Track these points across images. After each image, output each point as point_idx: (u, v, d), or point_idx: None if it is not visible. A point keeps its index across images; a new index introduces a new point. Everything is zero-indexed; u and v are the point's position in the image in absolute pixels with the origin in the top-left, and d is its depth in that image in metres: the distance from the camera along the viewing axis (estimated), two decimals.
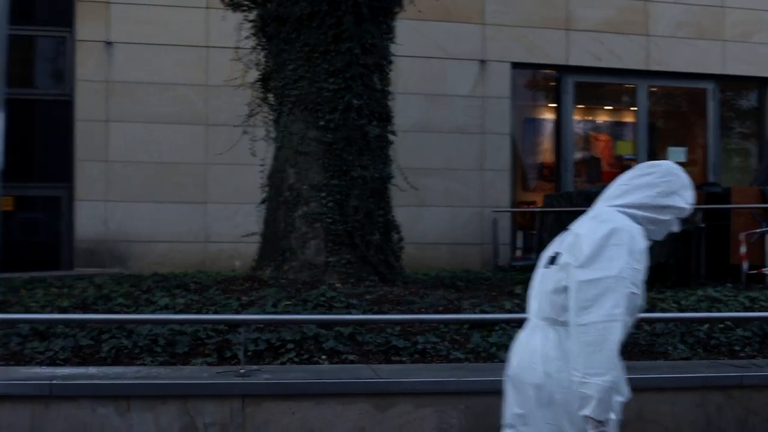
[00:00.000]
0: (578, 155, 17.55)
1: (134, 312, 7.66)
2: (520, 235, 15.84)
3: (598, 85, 17.77)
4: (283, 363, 6.24)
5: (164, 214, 14.98)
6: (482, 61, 16.27)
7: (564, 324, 4.02)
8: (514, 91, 16.66)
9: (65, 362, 6.18)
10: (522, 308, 8.54)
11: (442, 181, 15.92)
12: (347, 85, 9.81)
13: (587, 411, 3.84)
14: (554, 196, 14.60)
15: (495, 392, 5.66)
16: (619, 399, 3.99)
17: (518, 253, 15.56)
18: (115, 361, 6.22)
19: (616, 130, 18.26)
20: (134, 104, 14.97)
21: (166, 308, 7.64)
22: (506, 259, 15.64)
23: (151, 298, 8.09)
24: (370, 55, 10.03)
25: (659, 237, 4.26)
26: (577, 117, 17.66)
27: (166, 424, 5.31)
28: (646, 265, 4.04)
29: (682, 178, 4.25)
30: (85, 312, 7.72)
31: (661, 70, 17.27)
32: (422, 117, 15.95)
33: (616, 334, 3.89)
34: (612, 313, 3.90)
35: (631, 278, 3.97)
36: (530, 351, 4.12)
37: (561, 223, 13.89)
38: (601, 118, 18.32)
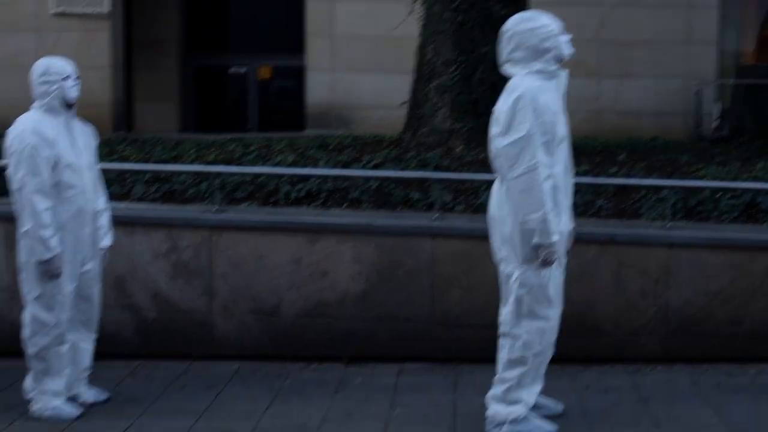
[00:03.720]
0: None
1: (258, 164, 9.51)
2: (719, 106, 16.16)
3: None
4: (311, 206, 7.92)
5: (383, 83, 16.78)
6: None
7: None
8: None
9: (153, 201, 8.17)
10: (598, 173, 9.54)
11: (649, 52, 16.46)
12: None
13: (535, 239, 5.20)
14: (746, 68, 14.89)
15: (401, 234, 7.11)
16: (555, 238, 5.31)
17: (714, 123, 15.96)
18: (189, 201, 8.15)
19: None
20: None
21: (278, 164, 9.45)
22: (708, 129, 16.10)
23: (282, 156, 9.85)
24: None
25: None
26: None
27: (157, 245, 7.43)
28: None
29: None
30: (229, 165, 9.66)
31: None
32: None
33: (539, 178, 5.15)
34: (531, 164, 5.16)
35: (540, 130, 5.19)
36: (495, 199, 5.48)
37: (751, 94, 14.30)
38: None
